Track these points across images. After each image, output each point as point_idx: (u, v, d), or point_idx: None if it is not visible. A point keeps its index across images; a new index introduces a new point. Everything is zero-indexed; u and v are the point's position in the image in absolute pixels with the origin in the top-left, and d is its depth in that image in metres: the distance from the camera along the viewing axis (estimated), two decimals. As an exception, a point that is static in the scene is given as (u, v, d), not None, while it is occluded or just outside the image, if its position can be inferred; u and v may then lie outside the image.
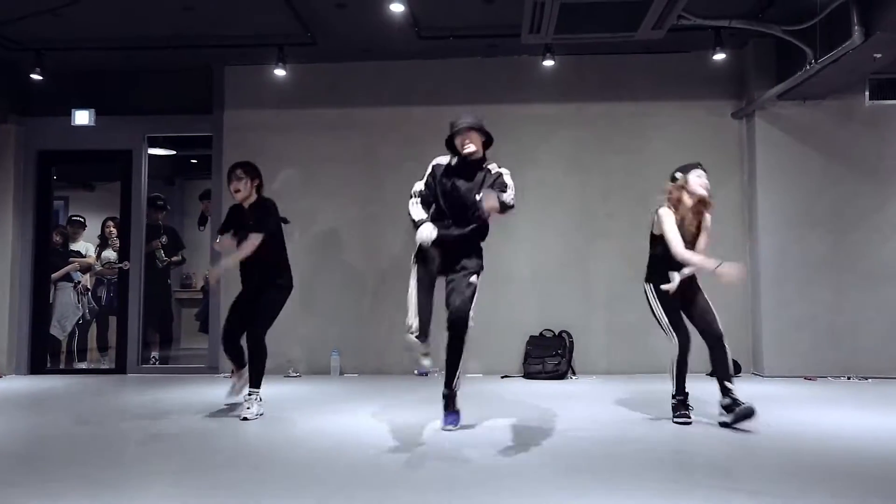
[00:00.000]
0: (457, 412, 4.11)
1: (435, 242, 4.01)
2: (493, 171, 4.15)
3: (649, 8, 5.05)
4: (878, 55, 5.45)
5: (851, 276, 6.43)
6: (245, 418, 4.39)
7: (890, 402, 5.10)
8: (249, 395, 4.56)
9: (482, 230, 4.18)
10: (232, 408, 4.78)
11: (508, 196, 3.99)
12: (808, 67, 5.67)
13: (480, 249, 4.20)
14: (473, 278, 4.07)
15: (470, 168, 4.16)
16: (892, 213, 6.47)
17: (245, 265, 4.70)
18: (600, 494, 2.86)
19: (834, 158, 6.56)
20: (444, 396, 4.15)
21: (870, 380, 6.16)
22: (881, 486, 2.97)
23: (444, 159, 4.30)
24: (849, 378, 6.24)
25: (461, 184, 4.14)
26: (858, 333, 6.38)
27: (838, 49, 5.29)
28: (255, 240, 4.55)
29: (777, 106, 6.52)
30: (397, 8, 5.32)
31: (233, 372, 5.06)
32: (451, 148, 4.23)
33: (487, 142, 4.22)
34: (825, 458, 3.41)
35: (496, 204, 3.86)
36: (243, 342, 4.76)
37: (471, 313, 4.02)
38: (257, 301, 4.65)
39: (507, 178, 4.11)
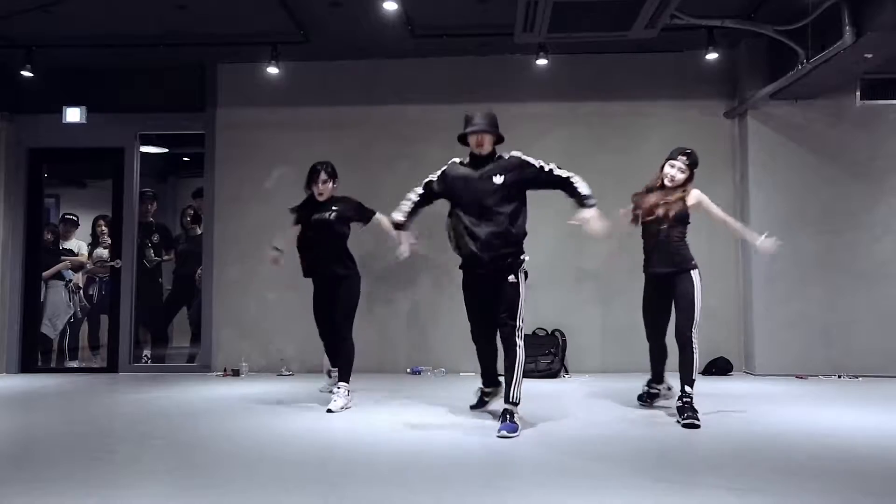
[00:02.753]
0: (515, 423, 3.88)
1: (464, 251, 4.09)
2: (506, 157, 4.16)
3: (642, 7, 5.06)
4: (869, 55, 5.47)
5: (843, 276, 6.46)
6: (329, 410, 4.54)
7: (881, 400, 5.13)
8: (339, 387, 4.74)
9: (513, 216, 4.08)
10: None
11: (579, 186, 4.22)
12: (799, 67, 5.69)
13: (518, 238, 4.11)
14: (512, 277, 4.02)
15: (482, 161, 4.16)
16: (883, 213, 6.49)
17: (311, 259, 4.93)
18: (595, 494, 2.86)
19: (825, 158, 6.58)
20: (503, 410, 3.98)
21: (860, 378, 6.19)
22: (873, 483, 2.99)
23: (457, 160, 4.33)
24: (840, 376, 6.26)
25: (475, 176, 4.12)
26: (850, 332, 6.41)
27: (830, 49, 5.30)
28: (386, 219, 4.91)
29: (769, 105, 6.54)
30: (391, 6, 5.31)
31: (329, 373, 5.41)
32: (463, 141, 4.23)
33: (499, 140, 4.24)
34: (817, 457, 3.43)
35: (593, 219, 4.18)
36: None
37: (519, 319, 4.01)
38: (335, 296, 4.86)
39: (532, 160, 4.15)
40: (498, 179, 4.02)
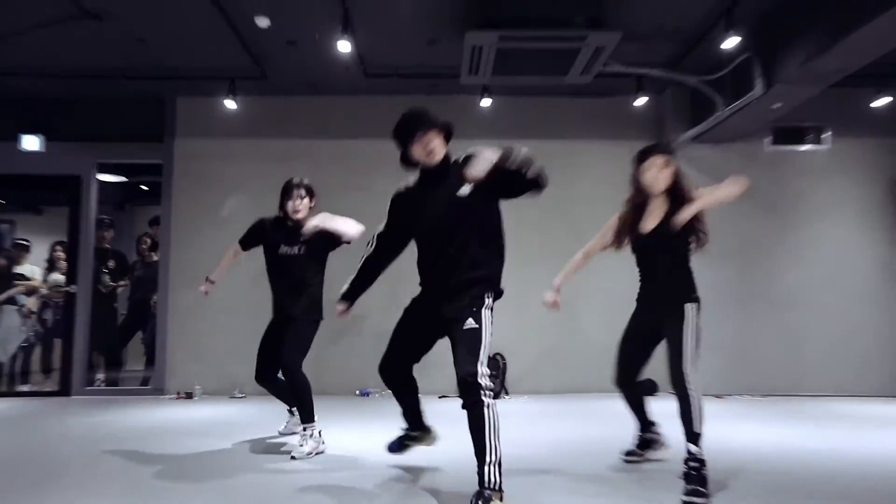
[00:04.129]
0: None
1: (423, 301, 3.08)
2: (462, 160, 3.05)
3: (577, 55, 5.19)
4: (778, 105, 5.73)
5: (755, 303, 6.67)
6: (293, 457, 3.76)
7: (788, 417, 5.25)
8: (304, 430, 3.93)
9: (487, 247, 3.00)
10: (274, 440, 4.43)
11: (515, 154, 2.83)
12: (718, 114, 5.91)
13: (485, 271, 2.98)
14: (470, 321, 2.85)
15: (438, 175, 3.06)
16: (790, 246, 6.75)
17: (277, 289, 4.17)
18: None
19: (740, 196, 6.80)
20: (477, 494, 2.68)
21: (770, 397, 6.38)
22: (784, 493, 3.05)
23: (402, 185, 3.23)
24: (752, 396, 6.44)
25: (434, 198, 3.01)
26: (761, 355, 6.60)
27: (743, 98, 5.54)
28: (353, 226, 3.99)
29: (692, 147, 6.74)
30: (345, 47, 5.31)
31: (290, 411, 4.52)
32: (408, 161, 3.13)
33: (448, 135, 3.16)
34: (736, 470, 3.47)
35: (484, 165, 2.76)
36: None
37: (480, 368, 2.78)
38: (286, 330, 4.05)
39: (481, 151, 2.92)
40: (465, 191, 2.95)
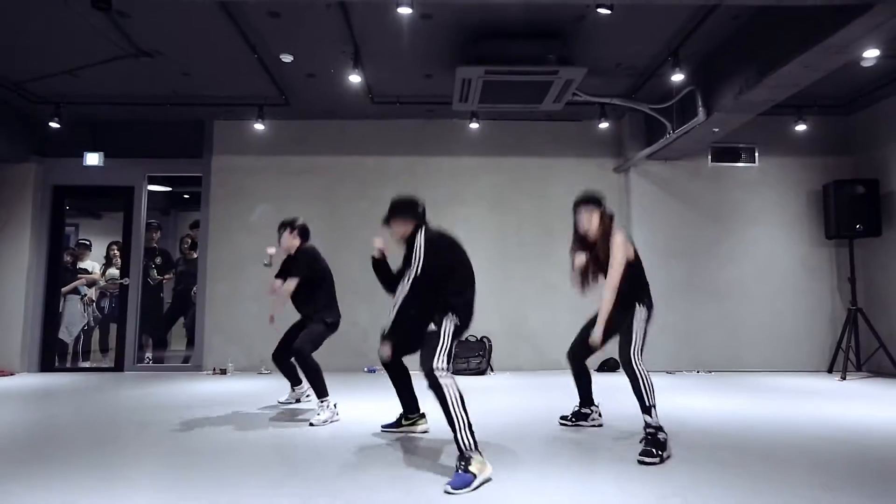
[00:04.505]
0: (467, 474, 2.53)
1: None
2: (415, 242, 3.12)
3: (550, 87, 5.22)
4: (716, 129, 5.77)
5: (700, 294, 6.71)
6: (311, 424, 3.78)
7: (728, 390, 5.30)
8: (321, 402, 3.93)
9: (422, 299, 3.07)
10: (280, 407, 4.49)
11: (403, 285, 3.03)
12: (667, 136, 5.95)
13: (436, 307, 3.03)
14: (432, 326, 3.01)
15: (407, 247, 3.23)
16: (728, 247, 6.80)
17: (293, 300, 4.24)
18: (508, 474, 2.87)
19: (687, 205, 6.86)
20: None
21: (712, 373, 6.42)
22: (724, 454, 3.08)
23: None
24: (698, 372, 6.48)
25: (403, 267, 3.24)
26: (704, 337, 6.65)
27: (688, 124, 5.58)
28: (289, 284, 4.10)
29: (646, 164, 6.80)
30: (355, 79, 5.34)
31: (293, 387, 4.57)
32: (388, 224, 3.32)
33: (413, 220, 3.23)
34: (680, 435, 3.50)
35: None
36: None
37: (437, 363, 2.78)
38: (299, 328, 4.22)
39: (416, 251, 3.07)
40: (405, 283, 3.08)
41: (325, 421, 3.83)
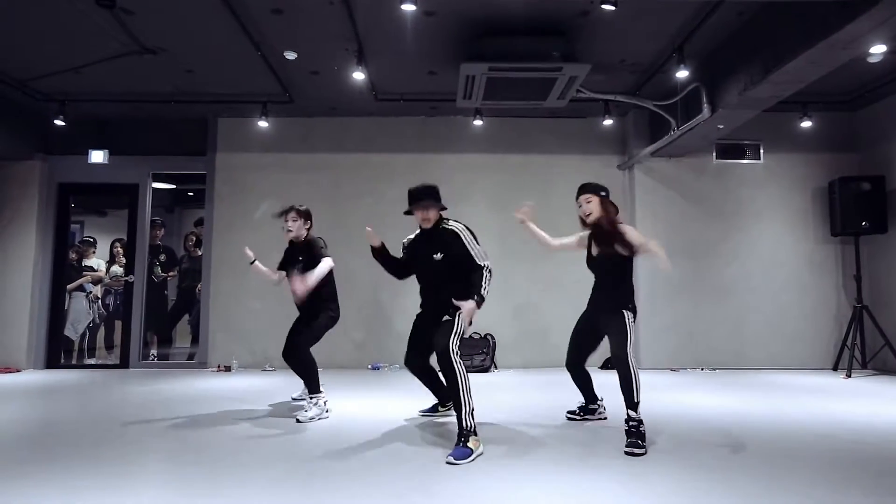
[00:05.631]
0: (466, 448, 2.93)
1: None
2: (449, 226, 3.47)
3: (554, 84, 5.20)
4: (721, 126, 5.74)
5: (704, 291, 6.69)
6: (298, 420, 3.79)
7: (732, 387, 5.29)
8: (311, 398, 3.94)
9: (455, 285, 3.41)
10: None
11: (484, 277, 3.38)
12: (671, 133, 5.93)
13: (454, 297, 3.34)
14: (446, 317, 3.33)
15: (429, 233, 3.54)
16: (732, 245, 6.77)
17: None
18: (520, 471, 2.87)
19: (691, 202, 6.84)
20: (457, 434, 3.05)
21: (716, 370, 6.41)
22: (728, 451, 3.08)
23: (411, 236, 3.73)
24: (702, 369, 6.47)
25: (424, 252, 3.53)
26: (709, 334, 6.63)
27: (693, 120, 5.55)
28: (323, 266, 3.98)
29: (650, 161, 6.77)
30: (359, 76, 5.33)
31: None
32: (411, 214, 3.57)
33: (442, 209, 3.56)
34: (684, 432, 3.51)
35: (467, 310, 3.25)
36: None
37: (452, 346, 3.16)
38: (304, 323, 4.13)
39: (464, 239, 3.42)
40: (438, 256, 3.44)
41: (313, 418, 3.82)
